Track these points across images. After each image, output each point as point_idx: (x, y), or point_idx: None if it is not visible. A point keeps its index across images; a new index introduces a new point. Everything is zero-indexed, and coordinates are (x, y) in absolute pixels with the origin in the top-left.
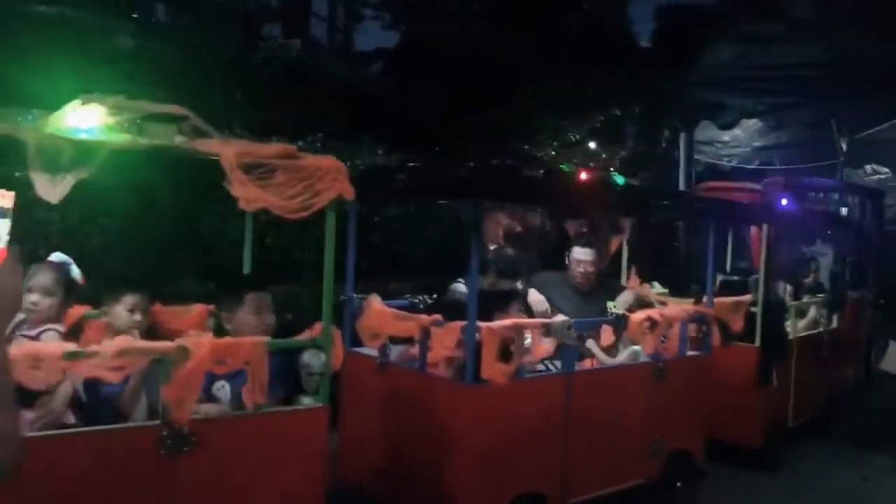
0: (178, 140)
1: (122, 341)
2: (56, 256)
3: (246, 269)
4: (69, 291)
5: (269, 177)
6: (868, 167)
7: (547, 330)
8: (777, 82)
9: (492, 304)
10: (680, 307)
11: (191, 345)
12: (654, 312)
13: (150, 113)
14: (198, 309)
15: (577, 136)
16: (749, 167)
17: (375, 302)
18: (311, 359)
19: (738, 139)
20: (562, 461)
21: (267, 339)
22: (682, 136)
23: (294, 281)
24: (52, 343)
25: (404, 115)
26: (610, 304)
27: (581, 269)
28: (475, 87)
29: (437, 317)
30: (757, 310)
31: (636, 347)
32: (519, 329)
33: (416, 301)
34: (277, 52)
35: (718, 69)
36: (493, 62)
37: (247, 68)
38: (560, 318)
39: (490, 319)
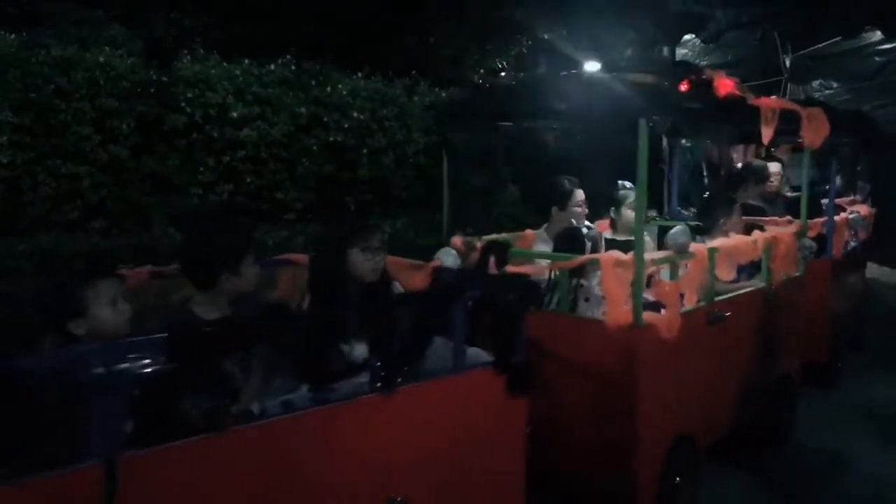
0: None
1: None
2: None
3: None
4: None
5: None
6: (815, 83)
7: None
8: None
9: None
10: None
11: (776, 236)
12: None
13: None
14: None
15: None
16: None
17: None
18: (810, 243)
19: (685, 58)
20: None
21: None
22: (666, 50)
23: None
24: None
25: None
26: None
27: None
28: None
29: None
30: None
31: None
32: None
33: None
34: None
35: None
36: None
37: None
38: None
39: None
